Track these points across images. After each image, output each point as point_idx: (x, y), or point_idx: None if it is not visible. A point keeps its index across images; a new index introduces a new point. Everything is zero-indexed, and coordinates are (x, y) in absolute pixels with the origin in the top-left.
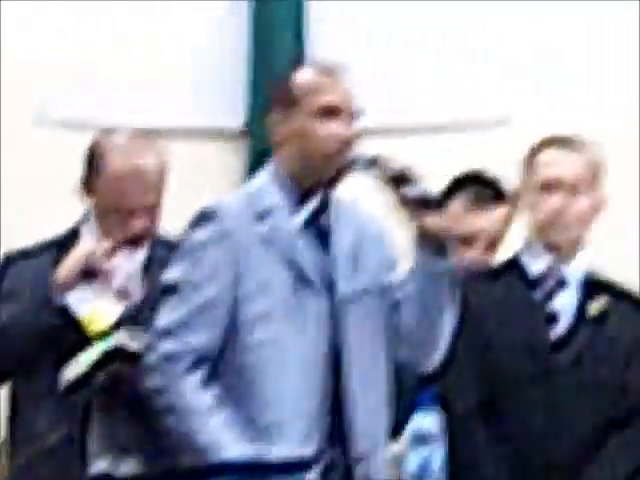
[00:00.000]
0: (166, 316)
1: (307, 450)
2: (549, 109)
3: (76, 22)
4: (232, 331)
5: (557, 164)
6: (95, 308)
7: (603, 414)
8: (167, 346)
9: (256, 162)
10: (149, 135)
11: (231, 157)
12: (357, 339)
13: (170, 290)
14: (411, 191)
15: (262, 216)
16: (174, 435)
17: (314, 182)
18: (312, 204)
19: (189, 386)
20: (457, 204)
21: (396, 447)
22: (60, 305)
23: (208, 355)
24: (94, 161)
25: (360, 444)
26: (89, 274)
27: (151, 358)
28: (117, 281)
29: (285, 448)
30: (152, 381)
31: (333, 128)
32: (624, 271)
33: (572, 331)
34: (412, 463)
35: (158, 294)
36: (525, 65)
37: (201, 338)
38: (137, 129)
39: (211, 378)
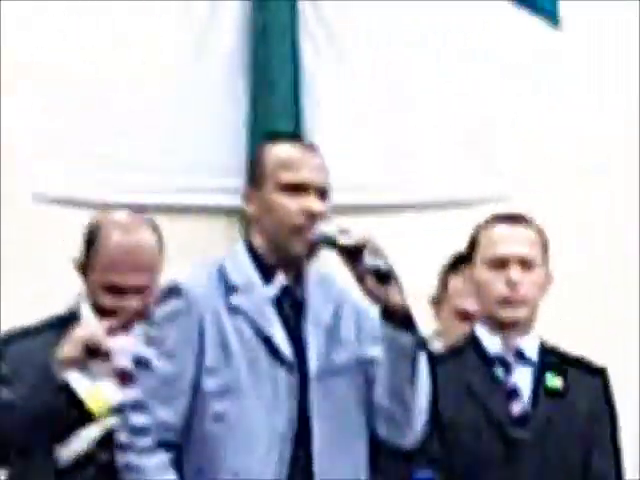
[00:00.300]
0: (136, 389)
1: None
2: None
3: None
4: (197, 401)
5: (510, 240)
6: (97, 387)
7: None
8: (135, 419)
9: None
10: (146, 212)
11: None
12: (327, 413)
13: (140, 363)
14: (366, 264)
15: (233, 289)
16: None
17: (284, 256)
18: (280, 279)
19: (154, 465)
20: (458, 281)
21: None
22: (62, 384)
23: (176, 427)
24: (92, 239)
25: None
26: (91, 353)
27: (122, 434)
28: (119, 361)
29: None
30: (122, 457)
31: (299, 203)
32: (624, 271)
33: (533, 406)
34: None
35: None
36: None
37: (168, 411)
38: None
39: (179, 449)
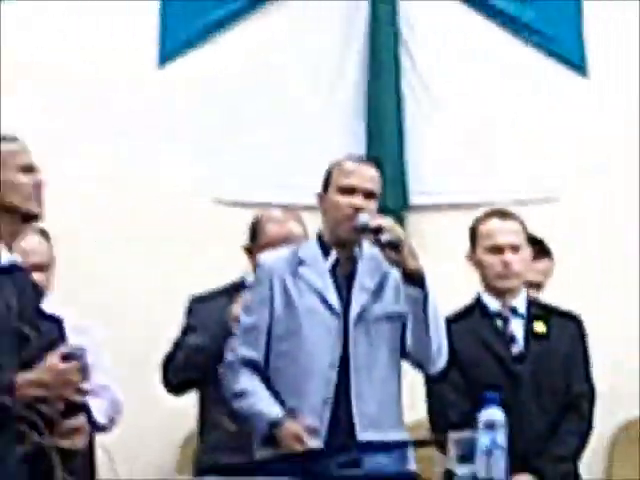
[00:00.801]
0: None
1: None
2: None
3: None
4: (271, 343)
5: (501, 232)
6: None
7: (553, 413)
8: (228, 357)
9: None
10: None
11: None
12: (363, 348)
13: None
14: (384, 238)
15: (300, 262)
16: (242, 413)
17: (336, 238)
18: (333, 254)
19: (243, 377)
20: None
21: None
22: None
23: (256, 362)
24: (254, 229)
25: (368, 434)
26: None
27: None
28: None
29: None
30: (224, 380)
31: (349, 200)
32: (624, 271)
33: (526, 347)
34: (483, 443)
35: None
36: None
37: (250, 351)
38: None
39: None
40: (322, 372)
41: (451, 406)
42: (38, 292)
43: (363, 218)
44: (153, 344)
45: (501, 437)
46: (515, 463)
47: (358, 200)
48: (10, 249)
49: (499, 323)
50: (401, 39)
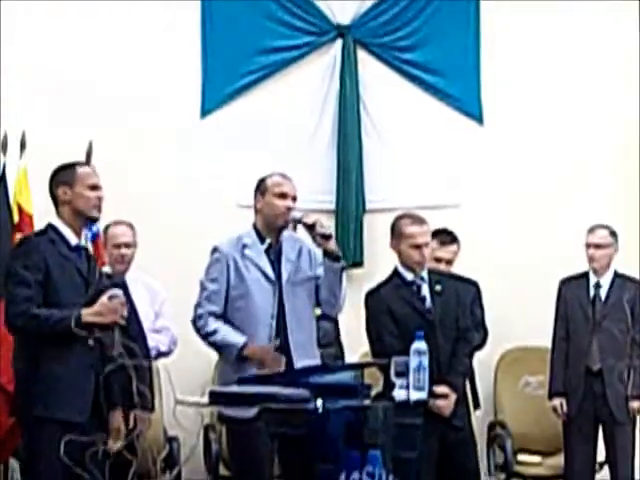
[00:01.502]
0: (198, 297)
1: None
2: None
3: None
4: (228, 303)
5: (421, 235)
6: None
7: (453, 342)
8: (197, 310)
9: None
10: None
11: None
12: (292, 303)
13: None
14: (318, 231)
15: (244, 246)
16: (217, 345)
17: (272, 229)
18: (268, 240)
19: (211, 321)
20: (434, 243)
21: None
22: None
23: (218, 313)
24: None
25: (296, 355)
26: None
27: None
28: None
29: None
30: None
31: (284, 203)
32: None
33: (432, 302)
34: (413, 362)
35: None
36: None
37: (214, 307)
38: None
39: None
40: (266, 321)
41: (390, 346)
42: (97, 265)
43: (297, 214)
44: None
45: (425, 360)
46: (435, 379)
47: (289, 202)
48: (78, 236)
49: (414, 288)
50: (362, 103)
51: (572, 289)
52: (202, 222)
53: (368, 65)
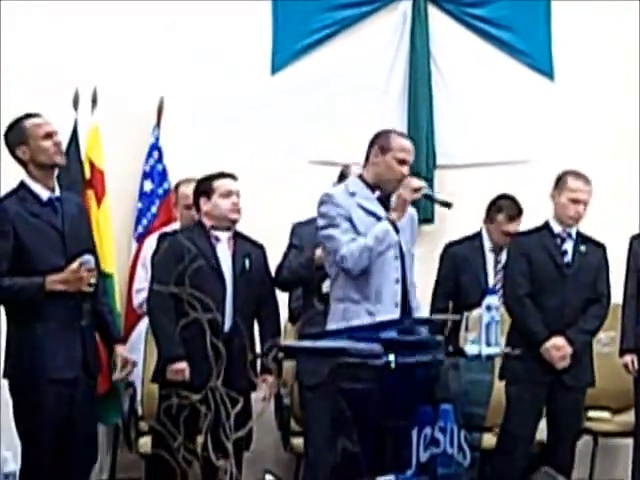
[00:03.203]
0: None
1: None
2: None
3: None
4: None
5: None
6: None
7: (585, 298)
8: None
9: None
10: None
11: None
12: (409, 270)
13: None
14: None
15: (352, 194)
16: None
17: (382, 187)
18: (377, 193)
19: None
20: (501, 217)
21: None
22: None
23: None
24: (343, 174)
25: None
26: None
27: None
28: None
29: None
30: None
31: (400, 169)
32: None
33: (573, 259)
34: (485, 318)
35: None
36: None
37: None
38: None
39: None
40: (392, 287)
41: (519, 286)
42: (88, 217)
43: (424, 186)
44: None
45: (497, 315)
46: (555, 330)
47: (406, 170)
48: (49, 189)
49: (558, 241)
50: (432, 59)
51: None
52: (273, 179)
53: (438, 21)
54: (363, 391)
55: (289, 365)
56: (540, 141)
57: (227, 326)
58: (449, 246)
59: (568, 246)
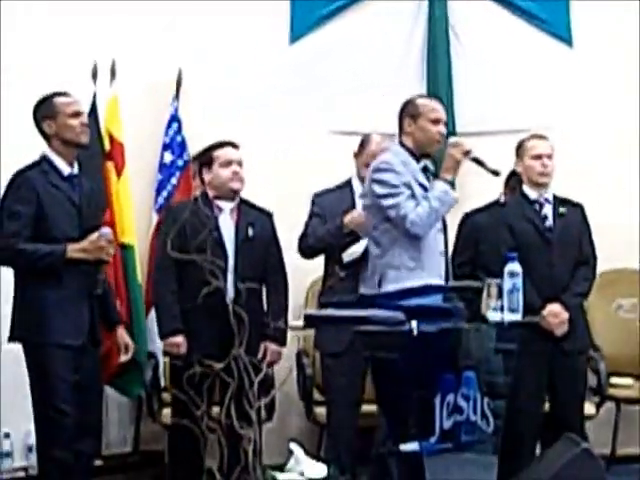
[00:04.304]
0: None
1: None
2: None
3: None
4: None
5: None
6: None
7: (572, 261)
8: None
9: None
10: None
11: None
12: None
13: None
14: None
15: (403, 163)
16: None
17: (423, 151)
18: (422, 162)
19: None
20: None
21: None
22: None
23: None
24: (364, 143)
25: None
26: None
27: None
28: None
29: None
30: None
31: (437, 129)
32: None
33: (554, 222)
34: (507, 285)
35: None
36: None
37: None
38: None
39: None
40: (438, 255)
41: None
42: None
43: (473, 153)
44: (289, 228)
45: (519, 282)
46: (549, 297)
47: (442, 128)
48: (70, 165)
49: (537, 206)
50: (451, 26)
51: None
52: (293, 149)
53: None
54: (385, 359)
55: (310, 333)
56: (560, 108)
57: (229, 296)
58: (469, 215)
59: (547, 210)
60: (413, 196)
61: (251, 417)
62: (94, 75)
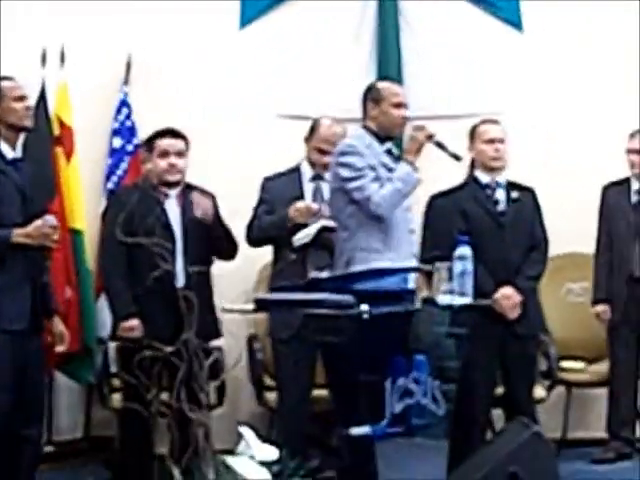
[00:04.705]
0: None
1: None
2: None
3: None
4: None
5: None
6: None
7: (525, 246)
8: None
9: None
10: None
11: None
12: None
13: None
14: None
15: (367, 146)
16: None
17: (389, 134)
18: (387, 144)
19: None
20: None
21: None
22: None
23: None
24: (314, 128)
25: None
26: None
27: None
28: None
29: None
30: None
31: (399, 112)
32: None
33: (507, 207)
34: (457, 268)
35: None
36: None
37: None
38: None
39: None
40: (408, 234)
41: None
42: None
43: (435, 136)
44: (239, 213)
45: (469, 265)
46: (501, 281)
47: (404, 112)
48: (14, 150)
49: (489, 191)
50: (400, 10)
51: (614, 195)
52: (243, 134)
53: None
54: (336, 343)
55: (261, 319)
56: (510, 93)
57: (180, 281)
58: (433, 198)
59: (499, 194)
60: (377, 178)
61: (201, 401)
62: (43, 60)
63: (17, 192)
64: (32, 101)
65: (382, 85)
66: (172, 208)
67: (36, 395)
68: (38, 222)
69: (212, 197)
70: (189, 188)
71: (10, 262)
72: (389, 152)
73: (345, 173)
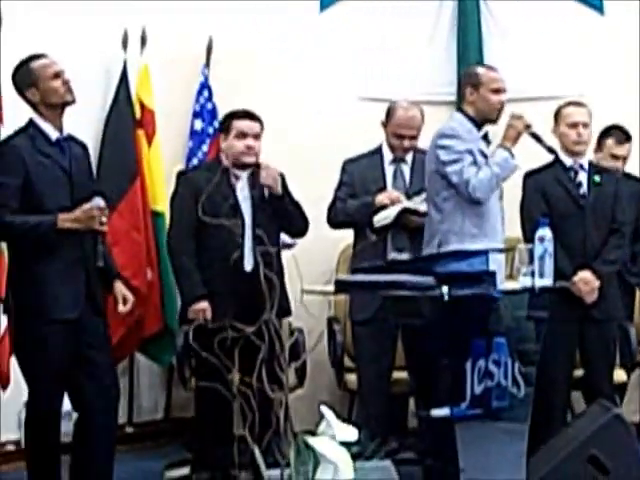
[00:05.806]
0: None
1: None
2: None
3: None
4: None
5: (578, 114)
6: None
7: (605, 229)
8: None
9: None
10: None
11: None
12: None
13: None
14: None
15: (468, 131)
16: None
17: (487, 119)
18: (484, 129)
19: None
20: (610, 140)
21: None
22: None
23: None
24: (390, 112)
25: None
26: None
27: None
28: None
29: None
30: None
31: (498, 98)
32: None
33: (588, 190)
34: (538, 250)
35: None
36: None
37: None
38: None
39: None
40: (499, 221)
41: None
42: (88, 157)
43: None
44: (320, 197)
45: (550, 247)
46: (580, 264)
47: (503, 97)
48: (57, 129)
49: (572, 173)
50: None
51: None
52: (323, 116)
53: None
54: (415, 325)
55: (341, 300)
56: (593, 75)
57: (249, 265)
58: (528, 175)
59: (582, 177)
60: (475, 163)
61: (282, 381)
62: (124, 43)
63: (63, 174)
64: (112, 79)
65: (481, 70)
66: (242, 189)
67: (105, 381)
68: (86, 206)
69: (281, 174)
70: (258, 167)
71: (60, 248)
72: (485, 137)
73: (444, 156)
